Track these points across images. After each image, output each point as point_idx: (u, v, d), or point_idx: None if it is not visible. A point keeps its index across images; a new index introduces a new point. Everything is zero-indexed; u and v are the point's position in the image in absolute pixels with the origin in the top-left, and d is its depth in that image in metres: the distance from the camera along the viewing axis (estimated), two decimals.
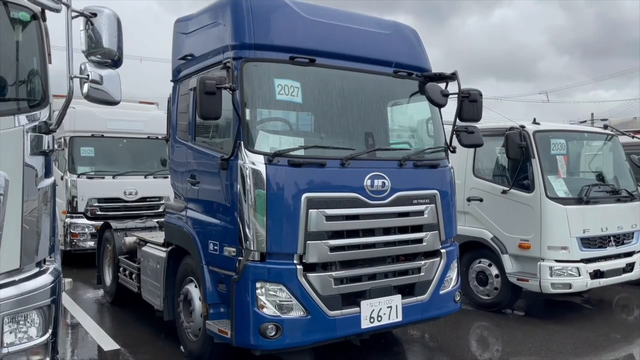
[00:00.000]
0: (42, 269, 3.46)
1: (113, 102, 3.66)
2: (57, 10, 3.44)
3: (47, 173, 3.60)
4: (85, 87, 3.50)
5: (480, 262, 7.64)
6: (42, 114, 3.50)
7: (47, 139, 3.51)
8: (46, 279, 3.38)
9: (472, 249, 7.64)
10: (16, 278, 3.24)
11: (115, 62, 3.67)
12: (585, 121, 20.03)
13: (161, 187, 10.58)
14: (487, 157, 7.80)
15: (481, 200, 7.59)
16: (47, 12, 3.59)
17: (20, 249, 3.26)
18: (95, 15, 3.54)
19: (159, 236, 6.59)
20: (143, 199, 10.95)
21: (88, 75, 3.48)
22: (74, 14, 3.46)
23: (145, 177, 11.05)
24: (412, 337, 6.45)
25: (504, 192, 7.30)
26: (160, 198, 10.92)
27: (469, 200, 7.69)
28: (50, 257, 3.64)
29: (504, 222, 7.31)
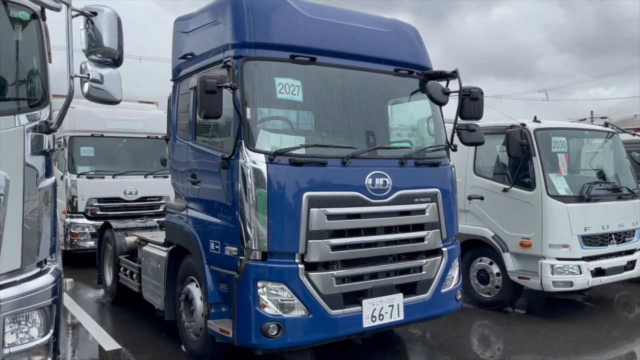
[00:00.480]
0: (43, 269, 3.45)
1: (114, 102, 3.65)
2: (57, 9, 3.43)
3: (48, 173, 3.59)
4: (86, 86, 3.49)
5: (481, 261, 7.63)
6: (43, 114, 3.49)
7: (47, 138, 3.50)
8: (47, 279, 3.37)
9: (473, 248, 7.63)
10: (17, 278, 3.23)
11: (115, 61, 3.66)
12: (584, 119, 20.09)
13: (161, 187, 10.60)
14: (488, 156, 7.79)
15: (482, 198, 7.58)
16: (47, 11, 3.58)
17: (21, 249, 3.25)
18: (95, 14, 3.52)
19: (160, 236, 6.59)
20: (143, 199, 10.95)
21: (88, 74, 3.47)
22: (74, 12, 3.45)
23: (145, 177, 11.04)
24: (413, 335, 6.44)
25: (505, 190, 7.29)
26: (160, 197, 10.92)
27: (470, 198, 7.68)
28: (51, 257, 3.63)
29: (505, 220, 7.30)
